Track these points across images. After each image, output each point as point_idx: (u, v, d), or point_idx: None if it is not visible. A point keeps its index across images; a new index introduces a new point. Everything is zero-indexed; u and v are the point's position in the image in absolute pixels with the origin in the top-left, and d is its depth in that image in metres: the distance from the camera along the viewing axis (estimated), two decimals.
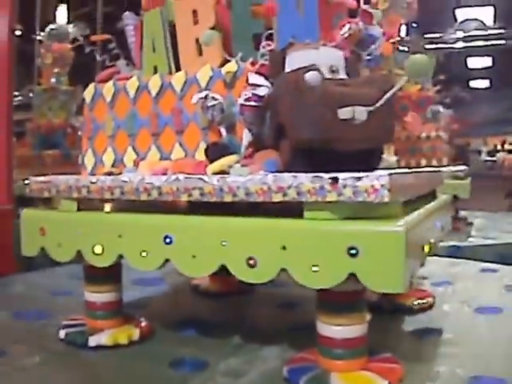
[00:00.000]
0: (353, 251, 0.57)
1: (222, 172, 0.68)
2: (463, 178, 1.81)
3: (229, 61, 0.78)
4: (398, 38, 1.97)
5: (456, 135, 2.18)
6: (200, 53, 0.81)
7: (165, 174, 0.75)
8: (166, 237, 0.68)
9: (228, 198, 0.64)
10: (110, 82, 0.87)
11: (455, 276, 1.17)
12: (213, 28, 0.79)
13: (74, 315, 0.86)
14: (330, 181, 0.58)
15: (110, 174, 0.80)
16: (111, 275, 0.81)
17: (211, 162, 0.71)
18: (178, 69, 0.84)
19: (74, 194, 0.78)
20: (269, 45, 0.77)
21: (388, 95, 0.61)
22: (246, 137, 0.70)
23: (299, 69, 0.63)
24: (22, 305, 1.00)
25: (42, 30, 2.95)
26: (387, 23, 2.03)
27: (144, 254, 0.70)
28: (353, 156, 0.62)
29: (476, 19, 2.91)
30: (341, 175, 0.58)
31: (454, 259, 1.31)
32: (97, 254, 0.74)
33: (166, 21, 0.84)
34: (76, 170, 2.57)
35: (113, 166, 0.86)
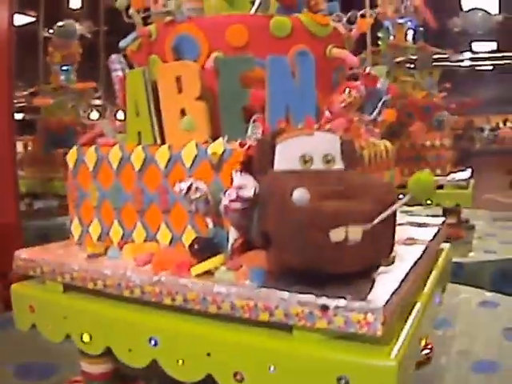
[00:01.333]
0: (342, 381, 0.53)
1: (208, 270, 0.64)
2: (466, 187, 1.75)
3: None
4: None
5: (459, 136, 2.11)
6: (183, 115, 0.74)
7: (149, 262, 0.70)
8: (150, 338, 0.64)
9: (212, 310, 0.60)
10: (92, 149, 0.80)
11: (455, 312, 1.12)
12: (199, 98, 0.73)
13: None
14: (319, 307, 0.53)
15: (93, 255, 0.75)
16: None
17: (196, 260, 0.65)
18: (162, 137, 0.78)
19: (58, 278, 0.74)
20: (259, 121, 0.70)
21: (387, 213, 0.55)
22: (231, 234, 0.65)
23: (286, 179, 0.57)
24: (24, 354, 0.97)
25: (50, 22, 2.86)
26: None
27: (131, 350, 0.67)
28: (346, 275, 0.57)
29: (481, 9, 2.79)
30: (332, 302, 0.53)
31: (456, 285, 1.26)
32: (85, 343, 0.71)
33: (150, 82, 0.77)
34: None
35: (99, 239, 0.81)
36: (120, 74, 0.87)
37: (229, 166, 0.67)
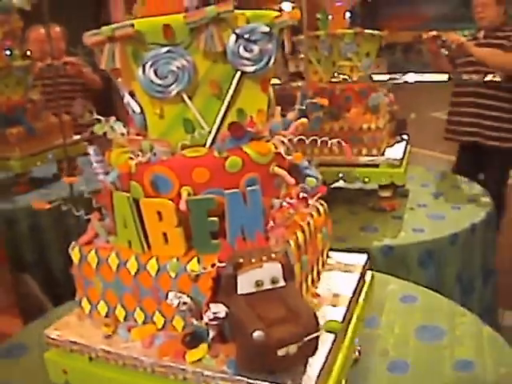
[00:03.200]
0: None
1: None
2: (399, 165, 2.06)
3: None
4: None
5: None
6: (166, 239, 1.01)
7: (152, 343, 1.00)
8: None
9: None
10: (93, 252, 1.07)
11: (381, 308, 1.46)
12: (177, 225, 0.99)
13: None
14: None
15: (109, 336, 1.05)
16: None
17: (187, 348, 0.96)
18: (149, 245, 1.04)
19: (85, 354, 1.05)
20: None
21: (314, 335, 0.86)
22: (211, 331, 0.95)
23: (249, 317, 0.86)
24: None
25: None
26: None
27: None
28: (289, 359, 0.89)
29: None
30: None
31: (384, 276, 1.60)
32: None
33: (134, 203, 1.03)
34: (41, 143, 2.71)
35: (107, 315, 1.10)
36: (102, 178, 1.12)
37: (204, 279, 0.96)
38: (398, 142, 2.23)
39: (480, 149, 3.09)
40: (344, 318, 1.06)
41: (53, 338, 1.08)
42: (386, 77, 2.22)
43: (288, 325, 0.88)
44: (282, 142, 1.07)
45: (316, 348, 0.91)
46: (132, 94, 1.02)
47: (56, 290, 2.38)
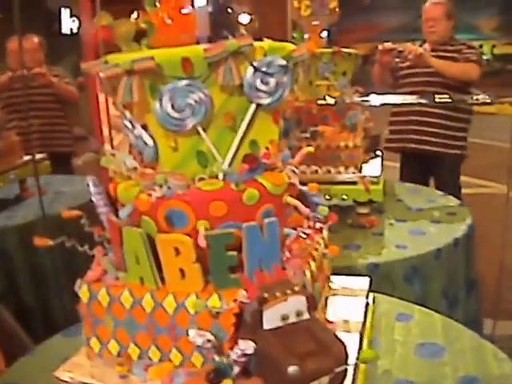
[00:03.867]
0: None
1: None
2: (377, 182, 2.10)
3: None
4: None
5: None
6: (183, 275, 1.00)
7: (172, 380, 0.98)
8: None
9: None
10: (104, 290, 1.04)
11: (379, 328, 1.49)
12: (195, 261, 0.97)
13: None
14: None
15: (124, 376, 1.01)
16: None
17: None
18: (163, 280, 1.02)
19: None
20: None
21: (343, 367, 0.86)
22: (235, 368, 0.94)
23: (282, 353, 0.86)
24: None
25: None
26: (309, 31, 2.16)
27: None
28: None
29: None
30: None
31: (376, 294, 1.62)
32: None
33: (147, 239, 1.00)
34: (2, 163, 2.60)
35: (118, 355, 1.07)
36: (104, 210, 1.09)
37: (225, 315, 0.95)
38: (373, 158, 2.28)
39: (423, 156, 3.19)
40: (360, 345, 1.07)
41: (65, 381, 1.04)
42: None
43: (319, 357, 0.88)
44: (294, 171, 1.08)
45: (345, 377, 0.91)
46: (144, 127, 1.00)
47: (27, 318, 2.29)
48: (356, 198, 2.07)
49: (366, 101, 2.02)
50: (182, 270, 0.99)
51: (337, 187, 2.08)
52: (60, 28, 9.69)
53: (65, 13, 9.79)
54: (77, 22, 9.59)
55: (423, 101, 2.19)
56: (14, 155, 2.76)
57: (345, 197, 2.08)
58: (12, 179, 2.74)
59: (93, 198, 1.14)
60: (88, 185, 1.14)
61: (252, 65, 0.96)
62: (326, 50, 2.15)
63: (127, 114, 1.01)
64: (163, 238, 0.98)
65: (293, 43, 2.00)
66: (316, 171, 2.04)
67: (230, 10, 1.06)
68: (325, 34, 2.21)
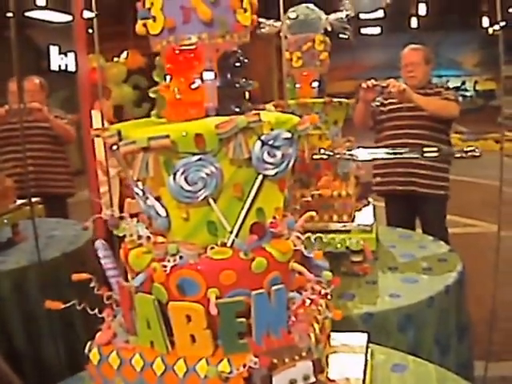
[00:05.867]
0: None
1: None
2: (370, 231, 2.17)
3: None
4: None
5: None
6: (194, 340, 1.04)
7: None
8: None
9: None
10: (115, 353, 1.07)
11: (376, 380, 1.53)
12: (206, 328, 1.02)
13: None
14: None
15: None
16: None
17: None
18: (173, 344, 1.06)
19: None
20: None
21: None
22: None
23: None
24: None
25: None
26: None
27: None
28: None
29: None
30: None
31: (372, 345, 1.66)
32: None
33: (158, 305, 1.05)
34: None
35: None
36: (114, 275, 1.14)
37: (235, 380, 0.99)
38: (365, 205, 2.35)
39: (409, 197, 3.27)
40: None
41: None
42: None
43: None
44: (298, 237, 1.13)
45: None
46: (158, 198, 1.05)
47: (18, 363, 2.29)
48: (350, 246, 2.12)
49: (355, 155, 2.09)
50: (192, 336, 1.03)
51: (330, 236, 2.13)
52: (49, 65, 9.83)
53: (54, 50, 9.95)
54: (65, 59, 9.74)
55: (412, 155, 2.26)
56: (7, 199, 2.78)
57: (338, 245, 2.13)
58: (5, 223, 2.76)
59: (101, 261, 1.19)
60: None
61: (260, 139, 1.02)
62: (317, 100, 2.23)
63: (139, 184, 1.06)
64: (175, 305, 1.02)
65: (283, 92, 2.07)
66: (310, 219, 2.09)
67: (237, 85, 1.11)
68: (315, 83, 2.30)
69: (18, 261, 2.58)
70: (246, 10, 1.11)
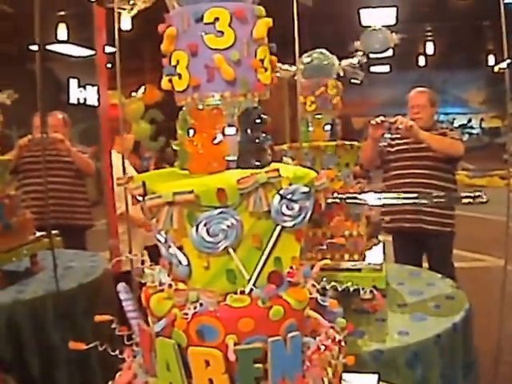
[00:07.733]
0: None
1: None
2: (380, 269, 2.19)
3: None
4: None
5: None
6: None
7: None
8: None
9: None
10: None
11: None
12: (224, 372, 1.04)
13: None
14: None
15: None
16: None
17: None
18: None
19: None
20: None
21: None
22: None
23: None
24: None
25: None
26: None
27: None
28: None
29: (380, 29, 3.03)
30: None
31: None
32: None
33: (178, 350, 1.07)
34: (16, 239, 2.68)
35: None
36: (134, 316, 1.17)
37: None
38: (375, 244, 2.37)
39: (417, 234, 3.29)
40: None
41: None
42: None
43: None
44: (314, 285, 1.16)
45: None
46: (180, 248, 1.08)
47: None
48: (360, 285, 2.13)
49: (365, 200, 2.12)
50: (210, 380, 1.05)
51: (342, 274, 2.15)
52: (68, 98, 9.99)
53: (73, 83, 10.12)
54: (84, 93, 9.90)
55: (422, 201, 2.29)
56: (26, 231, 2.83)
57: (349, 284, 2.14)
58: (24, 254, 2.80)
59: (123, 304, 1.22)
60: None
61: (279, 193, 1.06)
62: (329, 143, 2.27)
63: (162, 233, 1.10)
64: (195, 350, 1.05)
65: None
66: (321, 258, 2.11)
67: (257, 140, 1.16)
68: (328, 127, 2.35)
69: (36, 290, 2.62)
70: (266, 69, 1.16)
